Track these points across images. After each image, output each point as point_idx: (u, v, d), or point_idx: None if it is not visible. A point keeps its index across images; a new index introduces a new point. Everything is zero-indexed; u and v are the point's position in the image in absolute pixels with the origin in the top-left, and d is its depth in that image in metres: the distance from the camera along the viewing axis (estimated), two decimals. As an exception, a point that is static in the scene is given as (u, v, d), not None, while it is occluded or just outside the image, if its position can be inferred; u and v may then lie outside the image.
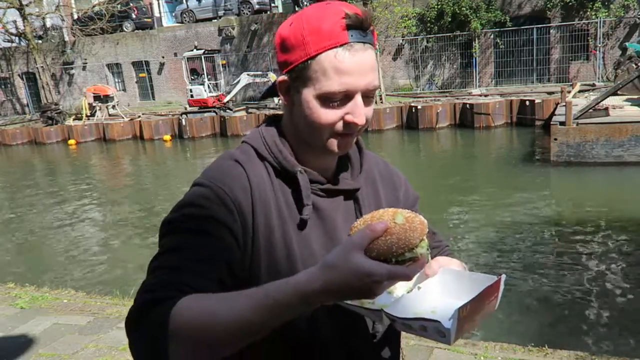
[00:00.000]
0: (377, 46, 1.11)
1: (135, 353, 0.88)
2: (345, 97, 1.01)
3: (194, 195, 1.03)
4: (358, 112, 1.02)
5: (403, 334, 1.22)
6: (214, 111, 20.40)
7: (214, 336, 0.83)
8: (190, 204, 1.02)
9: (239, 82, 20.58)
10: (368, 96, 1.05)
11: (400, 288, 1.02)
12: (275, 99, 20.04)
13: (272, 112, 19.70)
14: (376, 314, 0.94)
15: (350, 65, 0.98)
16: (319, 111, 1.02)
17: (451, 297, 0.98)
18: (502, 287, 0.93)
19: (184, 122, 20.07)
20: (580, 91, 15.70)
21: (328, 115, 1.02)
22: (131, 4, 26.76)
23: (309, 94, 1.02)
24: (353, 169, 1.19)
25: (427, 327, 0.87)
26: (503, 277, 0.92)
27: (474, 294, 0.88)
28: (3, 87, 29.70)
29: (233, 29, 24.32)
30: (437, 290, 1.00)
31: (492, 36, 19.89)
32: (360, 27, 0.99)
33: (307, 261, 1.03)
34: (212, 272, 0.95)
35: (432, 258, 1.08)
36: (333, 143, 1.06)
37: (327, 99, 1.01)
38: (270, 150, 1.10)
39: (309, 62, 1.00)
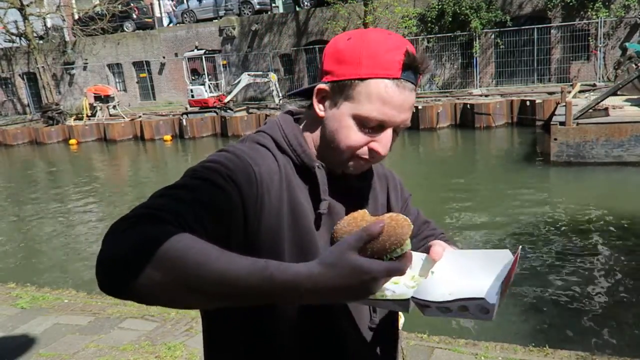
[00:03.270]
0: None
1: (107, 255, 0.79)
2: (379, 126, 1.05)
3: (220, 156, 1.02)
4: (385, 143, 1.06)
5: (401, 331, 1.23)
6: (215, 111, 20.41)
7: (198, 278, 0.76)
8: (215, 160, 1.01)
9: (239, 82, 20.58)
10: (397, 132, 1.10)
11: (404, 279, 1.01)
12: (276, 99, 20.09)
13: (272, 112, 19.74)
14: (401, 303, 0.94)
15: (395, 99, 1.02)
16: (350, 130, 1.05)
17: (469, 277, 0.98)
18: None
19: (184, 122, 20.08)
20: (580, 91, 15.70)
21: (357, 137, 1.05)
22: (132, 4, 26.77)
23: (347, 110, 1.05)
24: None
25: (468, 307, 0.88)
26: (520, 248, 0.96)
27: (492, 269, 0.92)
28: (4, 87, 29.71)
29: (234, 29, 24.32)
30: (452, 272, 1.01)
31: (492, 36, 19.88)
32: (415, 69, 1.04)
33: (310, 252, 1.04)
34: (212, 226, 0.91)
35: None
36: (350, 164, 1.09)
37: (362, 122, 1.04)
38: (290, 143, 1.10)
39: (357, 82, 1.03)
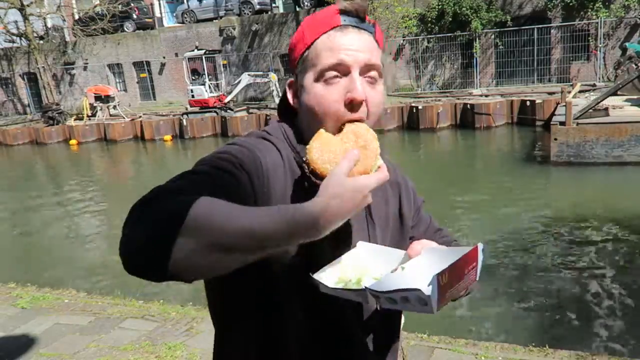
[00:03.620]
0: (383, 45, 1.11)
1: (132, 237, 0.79)
2: (343, 74, 1.01)
3: (230, 148, 1.03)
4: (355, 87, 1.00)
5: (401, 331, 1.23)
6: (215, 111, 20.41)
7: (229, 236, 0.78)
8: (225, 151, 1.02)
9: (240, 82, 20.58)
10: (370, 76, 1.03)
11: (386, 273, 1.03)
12: (277, 99, 20.09)
13: (272, 112, 19.73)
14: (361, 294, 0.94)
15: (342, 42, 1.01)
16: (319, 91, 1.02)
17: (430, 272, 0.96)
18: (480, 256, 0.95)
19: (184, 123, 20.08)
20: (580, 91, 15.70)
21: (327, 94, 1.01)
22: (132, 4, 26.77)
23: (309, 80, 1.04)
24: None
25: (409, 298, 0.88)
26: (480, 245, 0.95)
27: (446, 264, 0.90)
28: (4, 87, 29.72)
29: (234, 29, 24.33)
30: (421, 268, 1.01)
31: (492, 36, 19.89)
32: (354, 14, 1.03)
33: (312, 249, 1.03)
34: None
35: None
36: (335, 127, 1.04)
37: (324, 77, 1.02)
38: (290, 142, 1.10)
39: (306, 51, 1.04)
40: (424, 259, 1.03)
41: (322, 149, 0.96)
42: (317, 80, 1.02)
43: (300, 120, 1.11)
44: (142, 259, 0.78)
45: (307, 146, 0.98)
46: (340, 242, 1.09)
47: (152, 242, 0.77)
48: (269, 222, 0.81)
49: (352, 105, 1.01)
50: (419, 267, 1.01)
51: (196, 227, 0.76)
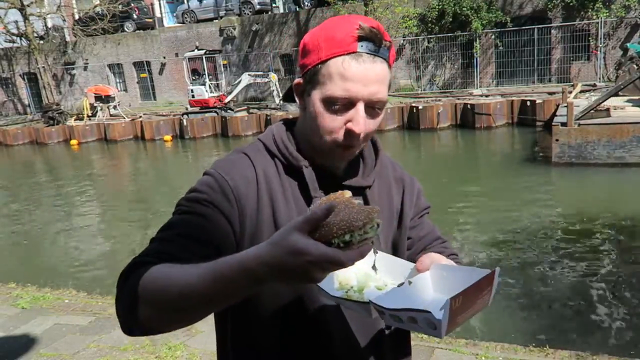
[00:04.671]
0: (392, 65, 1.10)
1: (118, 310, 0.94)
2: (349, 104, 1.03)
3: (200, 183, 1.09)
4: (357, 120, 1.03)
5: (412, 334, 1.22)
6: (215, 111, 20.41)
7: (170, 299, 0.87)
8: (195, 189, 1.09)
9: (240, 82, 20.58)
10: (373, 108, 1.06)
11: (390, 284, 1.00)
12: (277, 99, 20.10)
13: (272, 112, 19.73)
14: (364, 307, 0.91)
15: (355, 72, 1.01)
16: (323, 114, 1.05)
17: (444, 293, 0.94)
18: (496, 280, 0.90)
19: (185, 123, 20.07)
20: (581, 91, 15.70)
21: (330, 120, 1.05)
22: (132, 4, 26.77)
23: (316, 97, 1.05)
24: (366, 167, 1.21)
25: (416, 319, 0.84)
26: (497, 270, 0.90)
27: (461, 286, 0.85)
28: (4, 87, 29.72)
29: (234, 29, 24.33)
30: (429, 285, 0.97)
31: (493, 36, 19.88)
32: (372, 39, 1.02)
33: None
34: (198, 248, 0.99)
35: None
36: (334, 152, 1.09)
37: (330, 103, 1.04)
38: (278, 146, 1.14)
39: (320, 66, 1.04)
40: (433, 275, 0.99)
41: (323, 201, 0.87)
42: (323, 102, 1.05)
43: (301, 122, 1.15)
44: (124, 325, 0.95)
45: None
46: None
47: (125, 314, 0.93)
48: (197, 282, 0.84)
49: (350, 135, 1.05)
50: (427, 284, 0.97)
51: (148, 299, 0.89)
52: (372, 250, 0.81)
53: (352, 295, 0.97)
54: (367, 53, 1.02)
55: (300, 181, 1.11)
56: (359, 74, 1.01)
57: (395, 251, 1.20)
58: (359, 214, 0.78)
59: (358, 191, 1.16)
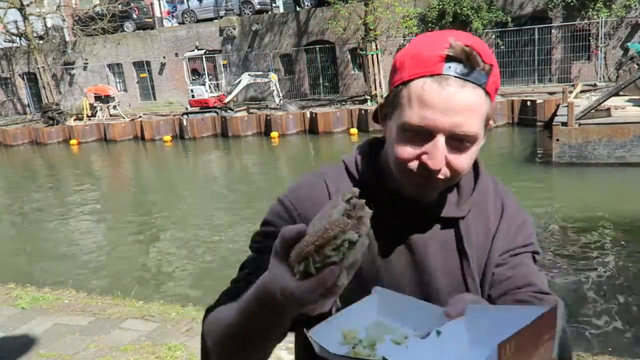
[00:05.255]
0: (495, 94, 0.93)
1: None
2: (428, 135, 0.88)
3: (270, 212, 1.04)
4: (434, 154, 0.88)
5: None
6: (215, 111, 20.41)
7: (223, 340, 0.87)
8: (265, 222, 1.04)
9: (240, 82, 20.60)
10: (461, 140, 0.89)
11: (411, 336, 0.80)
12: (277, 99, 20.08)
13: (272, 112, 19.72)
14: None
15: (435, 98, 0.86)
16: (397, 143, 0.92)
17: (484, 345, 0.69)
18: (560, 320, 0.67)
19: (185, 123, 20.07)
20: (581, 91, 15.69)
21: (403, 150, 0.91)
22: (132, 4, 26.77)
23: (394, 122, 0.93)
24: (461, 196, 1.04)
25: None
26: (561, 304, 0.70)
27: (504, 335, 0.63)
28: (4, 87, 29.70)
29: (234, 29, 24.32)
30: (464, 334, 0.74)
31: (493, 36, 19.87)
32: (462, 60, 0.86)
33: (368, 280, 0.95)
34: None
35: None
36: (410, 184, 0.94)
37: (405, 131, 0.90)
38: (358, 169, 1.04)
39: (401, 87, 0.91)
40: (468, 322, 0.75)
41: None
42: (399, 129, 0.91)
43: (386, 148, 1.02)
44: None
45: None
46: (414, 267, 0.98)
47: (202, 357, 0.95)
48: (239, 321, 0.82)
49: (425, 168, 0.89)
50: (461, 334, 0.74)
51: (210, 340, 0.91)
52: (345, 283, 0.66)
53: (360, 351, 0.76)
54: (455, 76, 0.86)
55: (376, 211, 0.90)
56: (440, 101, 0.86)
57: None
58: (319, 231, 0.64)
59: (450, 223, 1.01)
